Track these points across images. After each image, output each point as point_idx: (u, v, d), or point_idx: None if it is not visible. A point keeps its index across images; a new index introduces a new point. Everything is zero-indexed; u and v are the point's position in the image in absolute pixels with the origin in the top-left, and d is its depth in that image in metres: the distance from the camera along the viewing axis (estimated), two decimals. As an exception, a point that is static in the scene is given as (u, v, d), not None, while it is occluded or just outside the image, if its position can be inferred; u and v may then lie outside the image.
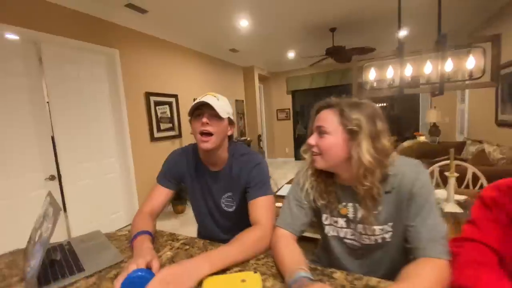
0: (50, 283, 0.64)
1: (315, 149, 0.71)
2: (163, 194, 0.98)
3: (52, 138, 2.45)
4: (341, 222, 0.76)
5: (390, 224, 0.70)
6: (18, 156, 2.14)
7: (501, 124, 3.37)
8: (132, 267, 0.58)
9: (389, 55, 1.52)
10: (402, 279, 0.55)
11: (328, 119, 0.69)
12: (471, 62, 1.37)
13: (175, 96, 3.87)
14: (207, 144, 0.86)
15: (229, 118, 0.93)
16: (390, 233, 0.70)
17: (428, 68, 1.47)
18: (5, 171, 2.05)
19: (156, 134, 3.42)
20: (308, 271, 0.59)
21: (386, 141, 0.67)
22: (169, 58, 3.77)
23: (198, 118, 0.88)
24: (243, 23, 3.46)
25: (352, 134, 0.66)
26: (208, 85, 4.63)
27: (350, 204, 0.74)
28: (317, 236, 1.11)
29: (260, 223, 0.80)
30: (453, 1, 2.99)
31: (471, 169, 1.97)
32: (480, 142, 3.39)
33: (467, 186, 1.99)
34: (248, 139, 5.34)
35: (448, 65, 1.41)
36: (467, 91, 4.32)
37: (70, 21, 2.51)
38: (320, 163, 0.71)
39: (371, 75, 1.59)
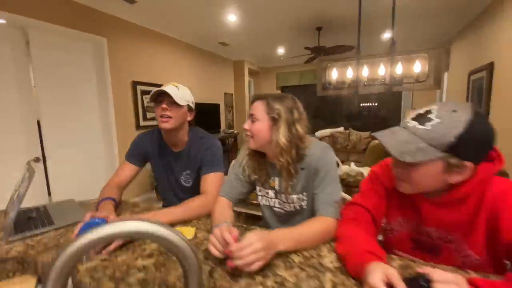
0: (25, 231, 0.78)
1: (248, 133, 0.87)
2: (129, 169, 1.13)
3: (38, 122, 2.54)
4: (271, 193, 0.93)
5: (305, 194, 0.87)
6: (2, 137, 2.24)
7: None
8: (89, 215, 0.73)
9: (349, 56, 1.68)
10: (295, 227, 0.72)
11: (258, 108, 0.85)
12: (418, 67, 1.55)
13: (161, 85, 3.97)
14: (167, 124, 1.02)
15: (188, 105, 1.08)
16: (305, 201, 0.87)
17: (382, 70, 1.64)
18: (-9, 150, 2.16)
19: (142, 123, 3.54)
20: (230, 224, 0.75)
21: (300, 128, 0.84)
22: (157, 48, 3.86)
23: (159, 104, 1.03)
24: (232, 17, 3.56)
25: (274, 121, 0.83)
26: (196, 77, 4.73)
27: (276, 178, 0.90)
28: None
29: (206, 193, 0.97)
30: (434, 5, 3.14)
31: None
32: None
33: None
34: (235, 131, 5.48)
35: (398, 69, 1.58)
36: (444, 94, 4.54)
37: (58, 8, 2.58)
38: (252, 144, 0.87)
39: (333, 74, 1.75)
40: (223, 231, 0.61)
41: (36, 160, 2.51)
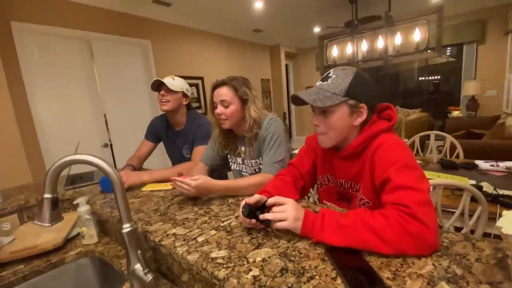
0: (74, 184, 1.19)
1: (223, 116, 1.03)
2: (147, 145, 1.49)
3: (104, 115, 3.22)
4: (239, 160, 1.14)
5: (260, 158, 1.05)
6: (80, 128, 2.95)
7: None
8: None
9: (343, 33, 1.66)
10: (236, 179, 0.92)
11: (227, 94, 1.02)
12: (417, 35, 1.48)
13: (201, 78, 4.40)
14: (165, 106, 1.31)
15: (183, 92, 1.35)
16: (261, 165, 1.06)
17: (380, 43, 1.60)
18: (73, 140, 2.88)
19: (184, 111, 4.05)
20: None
21: (259, 102, 1.01)
22: (195, 43, 4.26)
23: (160, 92, 1.33)
24: (258, 4, 3.68)
25: (243, 101, 1.02)
26: (233, 66, 5.03)
27: (243, 147, 1.10)
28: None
29: (193, 160, 1.24)
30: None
31: (449, 139, 2.03)
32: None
33: (446, 155, 2.06)
34: (273, 116, 5.66)
35: (397, 39, 1.54)
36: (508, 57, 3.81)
37: (112, 20, 3.16)
38: (227, 125, 1.05)
39: (334, 51, 1.77)
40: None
41: (105, 145, 3.21)
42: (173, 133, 1.45)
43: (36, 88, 2.60)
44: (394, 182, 0.58)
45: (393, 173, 0.59)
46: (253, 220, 0.63)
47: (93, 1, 2.93)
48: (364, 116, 0.71)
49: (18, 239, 0.92)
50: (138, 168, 1.40)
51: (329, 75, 0.73)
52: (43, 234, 0.93)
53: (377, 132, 0.69)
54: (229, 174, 1.31)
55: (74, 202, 0.90)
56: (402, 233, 0.50)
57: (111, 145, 3.27)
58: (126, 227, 0.62)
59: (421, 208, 0.52)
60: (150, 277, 0.59)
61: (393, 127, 0.71)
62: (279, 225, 0.59)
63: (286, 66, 6.36)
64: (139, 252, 0.61)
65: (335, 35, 1.75)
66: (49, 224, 0.59)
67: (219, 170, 1.28)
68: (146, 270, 0.60)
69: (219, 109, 1.03)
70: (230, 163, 1.18)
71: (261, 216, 0.61)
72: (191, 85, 4.27)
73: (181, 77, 4.52)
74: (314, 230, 0.57)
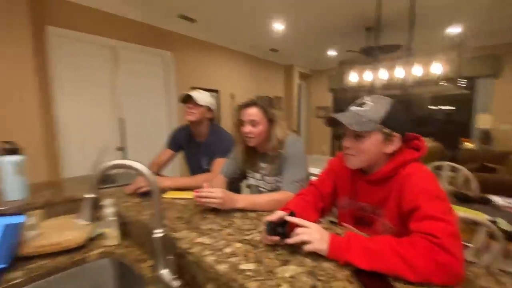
0: (106, 184, 1.23)
1: (251, 135, 1.08)
2: (168, 153, 1.54)
3: (122, 119, 3.32)
4: (258, 176, 1.17)
5: (280, 176, 1.08)
6: (98, 131, 3.04)
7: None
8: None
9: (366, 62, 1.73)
10: (257, 194, 0.95)
11: (256, 114, 1.06)
12: (436, 68, 1.53)
13: (217, 91, 4.53)
14: (190, 116, 1.37)
15: (208, 107, 1.41)
16: (280, 182, 1.08)
17: (400, 72, 1.65)
18: (89, 141, 2.97)
19: (197, 122, 4.14)
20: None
21: (283, 122, 1.06)
22: (213, 58, 4.42)
23: (186, 105, 1.39)
24: (278, 26, 3.84)
25: (271, 122, 1.07)
26: (248, 82, 5.17)
27: (263, 164, 1.14)
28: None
29: (212, 171, 1.28)
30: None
31: (463, 172, 2.02)
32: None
33: (457, 187, 2.04)
34: (282, 133, 5.71)
35: (417, 70, 1.59)
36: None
37: (137, 31, 3.33)
38: (253, 143, 1.09)
39: (352, 76, 1.82)
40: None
41: (119, 149, 3.28)
42: (194, 144, 1.50)
43: (62, 89, 2.72)
44: (424, 211, 0.60)
45: (423, 203, 0.61)
46: (275, 238, 0.65)
47: (122, 11, 3.11)
48: (396, 145, 0.74)
49: (42, 234, 0.95)
50: (156, 174, 1.44)
51: (365, 101, 0.77)
52: (65, 232, 0.96)
53: (408, 161, 0.72)
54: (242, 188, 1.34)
55: (102, 204, 0.93)
56: (431, 263, 0.52)
57: (125, 148, 3.35)
58: (158, 232, 0.65)
59: (450, 239, 0.53)
60: (178, 285, 0.61)
61: (421, 157, 0.74)
62: (305, 247, 0.62)
63: (299, 85, 6.48)
64: (168, 257, 0.64)
65: (354, 62, 1.82)
66: (89, 223, 0.63)
67: (235, 183, 1.31)
68: (175, 277, 0.62)
69: (247, 128, 1.07)
70: (248, 178, 1.21)
71: (287, 241, 0.64)
72: (206, 97, 4.42)
73: (199, 89, 4.65)
74: (341, 252, 0.58)
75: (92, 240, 0.96)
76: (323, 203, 0.90)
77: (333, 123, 0.77)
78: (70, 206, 1.15)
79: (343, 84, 1.87)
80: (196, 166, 1.53)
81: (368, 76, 1.77)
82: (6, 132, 2.13)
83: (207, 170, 1.47)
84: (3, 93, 2.17)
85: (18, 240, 0.84)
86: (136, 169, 0.62)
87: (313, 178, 1.07)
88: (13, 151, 1.07)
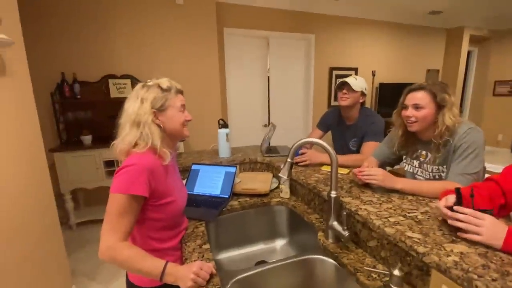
0: (269, 153, 1.64)
1: (413, 119, 1.05)
2: (318, 133, 1.76)
3: (268, 99, 3.92)
4: (416, 163, 1.16)
5: (445, 166, 1.04)
6: (251, 109, 3.76)
7: None
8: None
9: None
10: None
11: (423, 99, 1.02)
12: None
13: (355, 69, 4.35)
14: (344, 102, 1.50)
15: (362, 91, 1.49)
16: (445, 173, 1.04)
17: None
18: (242, 121, 3.73)
19: (333, 103, 4.21)
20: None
21: (456, 109, 1.00)
22: (354, 34, 4.21)
23: (341, 90, 1.53)
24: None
25: (439, 107, 1.02)
26: (393, 55, 4.60)
27: (424, 152, 1.12)
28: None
29: (363, 154, 1.39)
30: None
31: None
32: None
33: None
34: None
35: None
36: None
37: (284, 19, 3.68)
38: (415, 127, 1.06)
39: None
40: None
41: (265, 125, 3.93)
42: (343, 126, 1.64)
43: (230, 76, 3.54)
44: None
45: None
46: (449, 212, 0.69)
47: (273, 4, 3.52)
48: None
49: (242, 181, 1.42)
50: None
51: None
52: (256, 183, 1.39)
53: None
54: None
55: (278, 167, 1.28)
56: None
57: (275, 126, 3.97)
58: (334, 194, 0.87)
59: None
60: (347, 234, 0.82)
61: None
62: (471, 237, 0.63)
63: (468, 53, 5.05)
64: (342, 212, 0.85)
65: None
66: (287, 178, 0.93)
67: (383, 167, 1.36)
68: (345, 227, 0.83)
69: (410, 111, 1.05)
70: (404, 164, 1.23)
71: (453, 212, 0.67)
72: (344, 76, 4.34)
73: (337, 68, 4.65)
74: None
75: (271, 191, 1.35)
76: (504, 199, 0.83)
77: None
78: (252, 166, 1.62)
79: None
80: (342, 147, 1.68)
81: None
82: (200, 108, 3.09)
83: (354, 152, 1.60)
84: (202, 81, 3.11)
85: (232, 182, 1.32)
86: (323, 147, 0.86)
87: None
88: (225, 125, 1.61)
